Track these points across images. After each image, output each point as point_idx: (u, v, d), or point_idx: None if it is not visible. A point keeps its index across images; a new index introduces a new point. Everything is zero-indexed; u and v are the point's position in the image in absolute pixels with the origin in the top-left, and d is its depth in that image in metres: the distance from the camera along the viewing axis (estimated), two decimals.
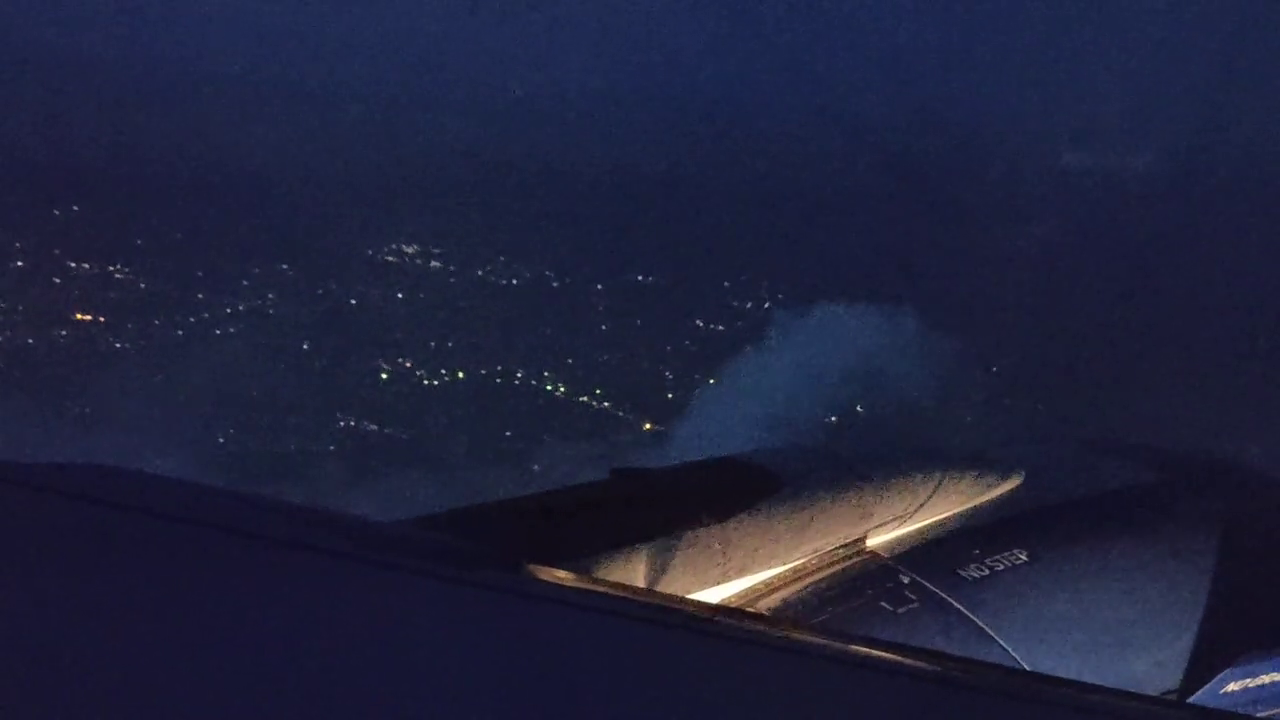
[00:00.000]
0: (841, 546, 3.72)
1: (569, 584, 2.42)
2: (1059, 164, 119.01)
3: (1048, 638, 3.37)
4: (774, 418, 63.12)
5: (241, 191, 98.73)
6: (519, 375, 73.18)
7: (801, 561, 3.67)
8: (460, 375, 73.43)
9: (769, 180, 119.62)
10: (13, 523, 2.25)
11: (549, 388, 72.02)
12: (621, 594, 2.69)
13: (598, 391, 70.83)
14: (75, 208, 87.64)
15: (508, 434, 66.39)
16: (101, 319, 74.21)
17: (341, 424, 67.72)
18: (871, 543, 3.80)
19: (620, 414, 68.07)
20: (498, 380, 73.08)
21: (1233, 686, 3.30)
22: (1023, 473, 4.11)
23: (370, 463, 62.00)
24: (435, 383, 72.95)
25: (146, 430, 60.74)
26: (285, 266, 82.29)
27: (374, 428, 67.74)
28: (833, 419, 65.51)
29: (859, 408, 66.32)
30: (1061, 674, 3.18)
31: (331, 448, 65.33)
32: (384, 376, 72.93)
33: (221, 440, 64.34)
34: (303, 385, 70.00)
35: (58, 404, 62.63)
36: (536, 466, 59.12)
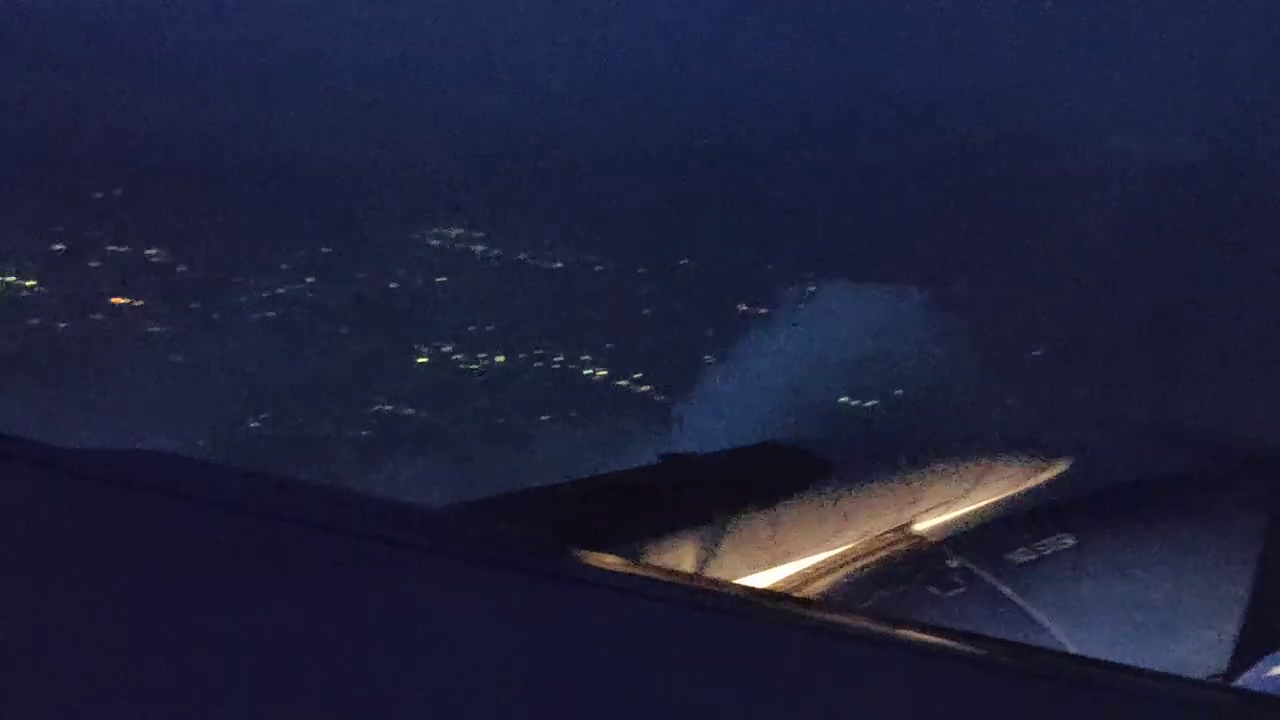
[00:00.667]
0: (889, 531, 3.76)
1: (618, 569, 2.45)
2: (1105, 148, 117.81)
3: (1095, 622, 3.41)
4: (819, 401, 62.94)
5: (284, 174, 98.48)
6: (558, 360, 73.03)
7: (849, 546, 3.71)
8: (500, 360, 73.43)
9: (815, 162, 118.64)
10: (84, 513, 2.31)
11: (588, 372, 71.89)
12: (670, 579, 2.73)
13: (638, 376, 70.55)
14: (116, 191, 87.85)
15: (544, 418, 66.35)
16: (138, 303, 74.41)
17: (377, 409, 67.81)
18: (919, 527, 3.84)
19: (660, 398, 67.86)
20: (536, 364, 72.96)
21: (1278, 670, 3.32)
22: (1070, 457, 4.13)
23: (406, 448, 62.12)
24: (474, 367, 72.87)
25: (179, 414, 61.07)
26: (326, 249, 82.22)
27: (410, 412, 67.78)
28: (874, 403, 65.30)
29: (899, 390, 66.00)
30: (1109, 658, 3.20)
31: (365, 433, 65.57)
32: (422, 361, 72.98)
33: (255, 425, 64.58)
34: (339, 370, 70.03)
35: (92, 388, 62.74)
36: (574, 451, 58.99)
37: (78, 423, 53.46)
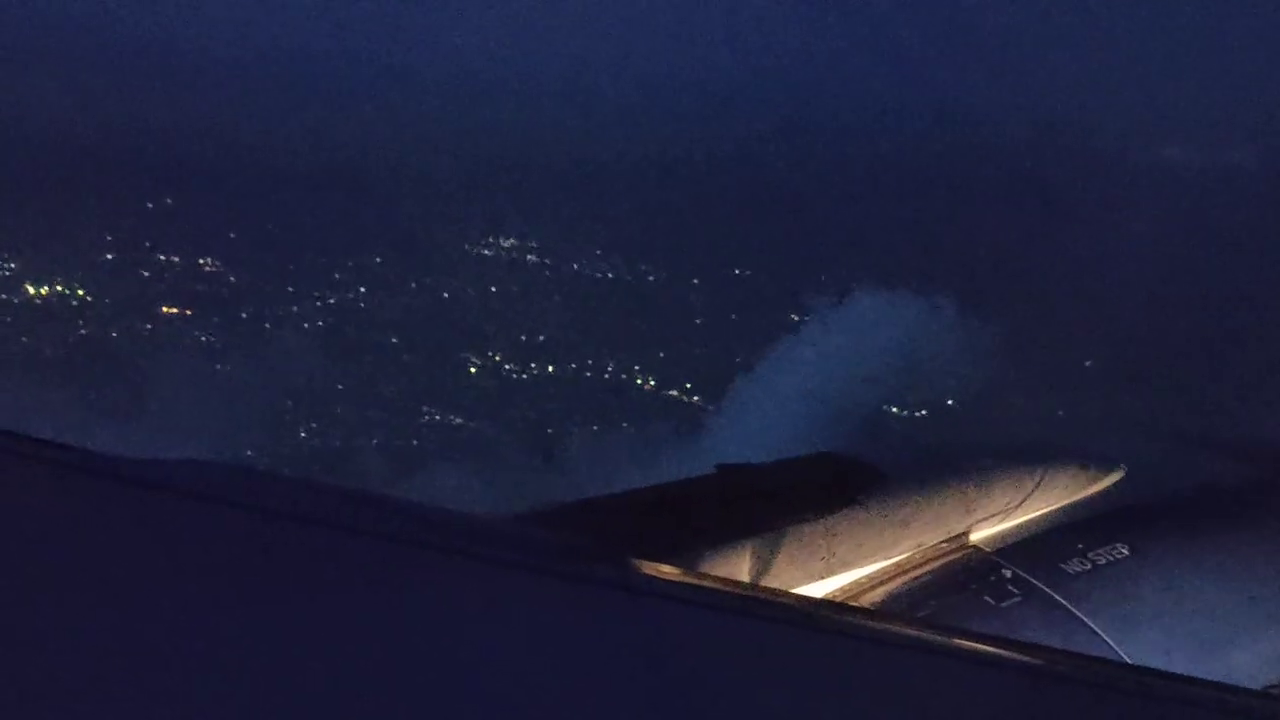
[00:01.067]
0: (944, 541, 3.80)
1: (676, 579, 2.48)
2: (1158, 158, 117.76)
3: (1150, 631, 3.44)
4: (868, 412, 62.83)
5: (339, 184, 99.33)
6: (609, 369, 73.14)
7: (905, 556, 3.76)
8: (550, 369, 73.54)
9: (865, 172, 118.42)
10: (129, 520, 2.37)
11: (639, 381, 71.82)
12: (727, 588, 2.77)
13: (688, 386, 70.41)
14: (169, 200, 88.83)
15: (595, 428, 66.28)
16: (188, 312, 74.93)
17: (426, 419, 68.02)
18: (974, 537, 3.89)
19: (709, 407, 67.56)
20: (587, 374, 73.02)
21: None
22: (1124, 467, 4.16)
23: (454, 457, 62.07)
24: (524, 376, 72.97)
25: (224, 423, 61.37)
26: (379, 260, 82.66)
27: (459, 422, 67.96)
28: (923, 413, 65.14)
29: (951, 400, 65.88)
30: (1164, 668, 3.23)
31: (414, 442, 65.60)
32: (472, 371, 73.20)
33: (302, 434, 64.94)
34: (389, 380, 70.58)
35: (138, 396, 62.97)
36: (621, 461, 58.82)
37: (122, 430, 53.83)
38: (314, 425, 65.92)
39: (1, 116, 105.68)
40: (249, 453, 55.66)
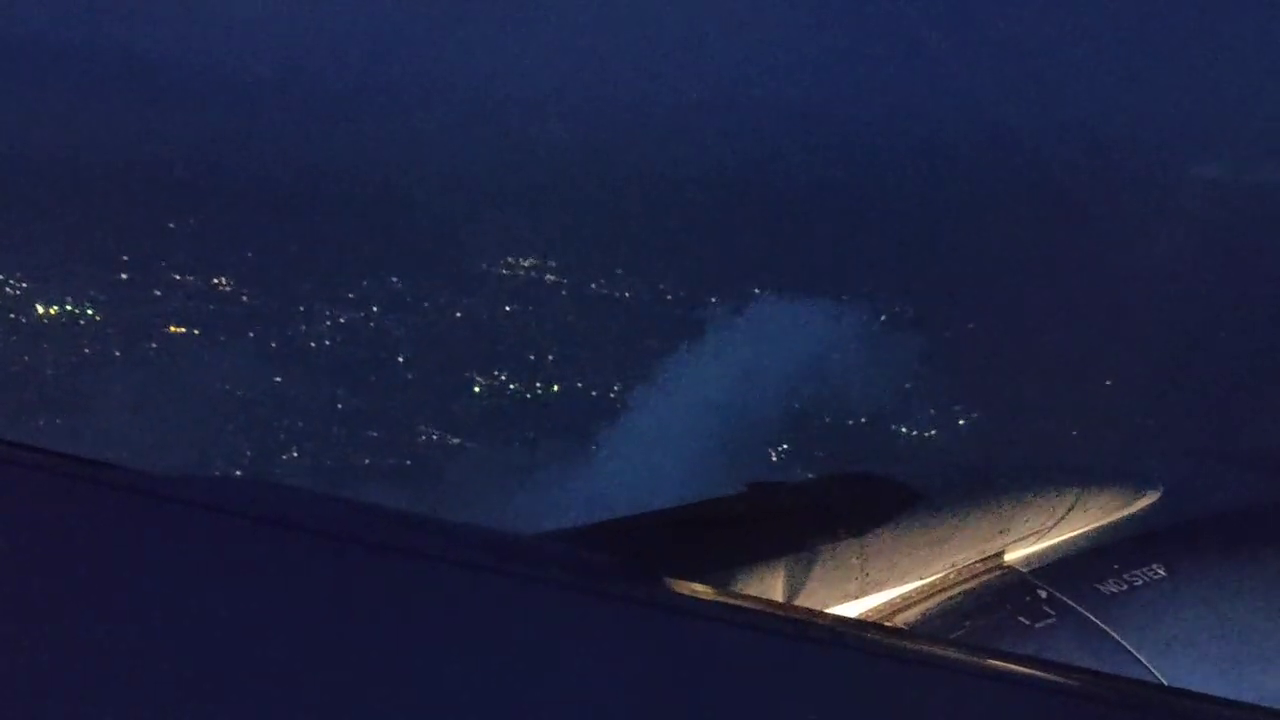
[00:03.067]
0: (979, 561, 3.84)
1: (707, 597, 2.52)
2: (1191, 174, 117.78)
3: (1186, 653, 3.47)
4: (901, 431, 63.09)
5: (361, 205, 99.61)
6: (614, 390, 72.85)
7: (939, 576, 3.80)
8: (555, 389, 73.53)
9: (905, 190, 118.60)
10: (179, 539, 2.43)
11: (638, 404, 70.50)
12: (759, 607, 2.81)
13: (691, 406, 68.69)
14: (190, 220, 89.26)
15: (593, 448, 65.85)
16: (195, 332, 75.15)
17: (425, 439, 68.30)
18: (1009, 557, 3.92)
19: (718, 429, 66.86)
20: (592, 394, 72.96)
21: None
22: (1160, 487, 4.20)
23: (449, 477, 62.07)
24: (528, 396, 73.15)
25: (219, 443, 62.45)
26: (395, 279, 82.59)
27: (456, 442, 68.08)
28: (955, 430, 65.27)
29: (977, 415, 66.21)
30: (1200, 689, 3.28)
31: (408, 463, 65.79)
32: (475, 391, 73.29)
33: (296, 455, 65.27)
34: (391, 401, 70.66)
35: (140, 415, 62.97)
36: (618, 481, 58.40)
37: (133, 449, 53.85)
38: (308, 445, 66.15)
39: (13, 136, 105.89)
40: (236, 472, 55.67)
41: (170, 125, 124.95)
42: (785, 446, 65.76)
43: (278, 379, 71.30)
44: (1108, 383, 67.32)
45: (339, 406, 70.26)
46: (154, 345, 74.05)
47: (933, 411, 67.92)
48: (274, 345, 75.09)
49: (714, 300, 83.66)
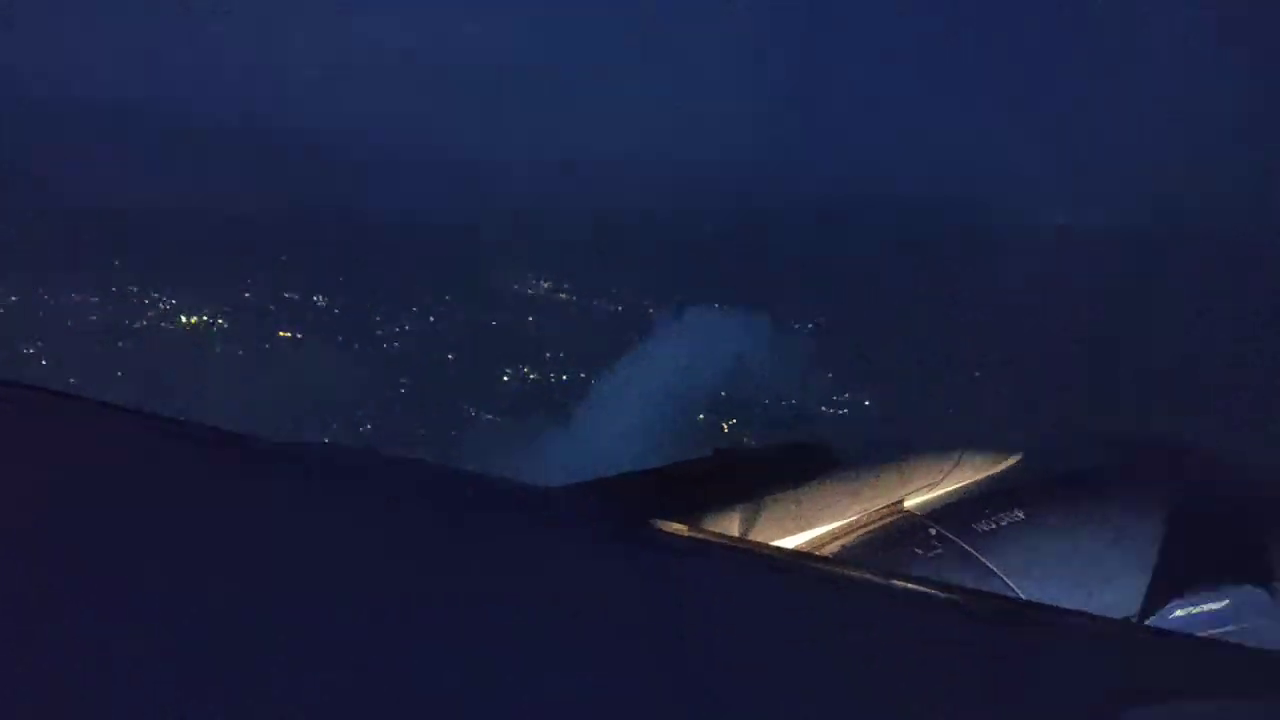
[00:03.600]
0: (885, 506, 3.87)
1: (686, 535, 2.54)
2: (1040, 219, 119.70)
3: (1039, 576, 3.50)
4: (834, 411, 63.63)
5: (392, 234, 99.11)
6: (587, 379, 71.58)
7: (855, 517, 3.83)
8: (551, 379, 72.63)
9: (807, 228, 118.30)
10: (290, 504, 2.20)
11: (607, 390, 69.36)
12: (725, 542, 2.85)
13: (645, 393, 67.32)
14: (284, 257, 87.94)
15: (573, 424, 65.16)
16: (298, 336, 75.72)
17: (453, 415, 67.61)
18: (908, 504, 3.95)
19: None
20: (570, 380, 71.94)
21: (1179, 613, 3.42)
22: (1021, 453, 4.24)
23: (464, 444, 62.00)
24: (525, 383, 72.08)
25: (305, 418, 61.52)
26: (415, 309, 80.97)
27: (473, 414, 67.82)
28: (871, 406, 66.18)
29: (874, 399, 67.33)
30: (1050, 603, 3.32)
31: (453, 432, 65.39)
32: (503, 378, 72.51)
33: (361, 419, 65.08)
34: (385, 412, 68.35)
35: (162, 407, 61.68)
36: (593, 447, 57.78)
37: (247, 423, 52.99)
38: (384, 413, 66.48)
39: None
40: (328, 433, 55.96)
41: (277, 184, 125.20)
42: (734, 421, 65.69)
43: (356, 368, 71.35)
44: (977, 374, 68.08)
45: (401, 391, 70.12)
46: (267, 346, 74.11)
47: (846, 395, 67.96)
48: (356, 345, 75.21)
49: (653, 311, 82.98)
